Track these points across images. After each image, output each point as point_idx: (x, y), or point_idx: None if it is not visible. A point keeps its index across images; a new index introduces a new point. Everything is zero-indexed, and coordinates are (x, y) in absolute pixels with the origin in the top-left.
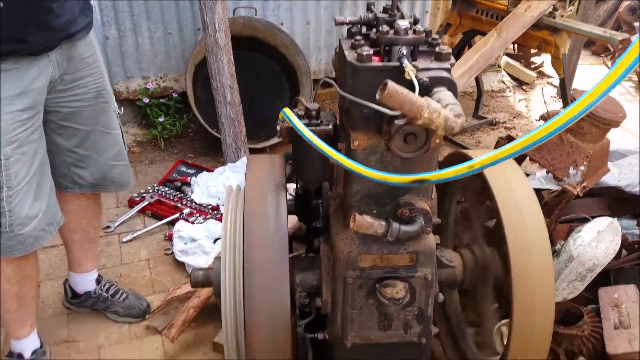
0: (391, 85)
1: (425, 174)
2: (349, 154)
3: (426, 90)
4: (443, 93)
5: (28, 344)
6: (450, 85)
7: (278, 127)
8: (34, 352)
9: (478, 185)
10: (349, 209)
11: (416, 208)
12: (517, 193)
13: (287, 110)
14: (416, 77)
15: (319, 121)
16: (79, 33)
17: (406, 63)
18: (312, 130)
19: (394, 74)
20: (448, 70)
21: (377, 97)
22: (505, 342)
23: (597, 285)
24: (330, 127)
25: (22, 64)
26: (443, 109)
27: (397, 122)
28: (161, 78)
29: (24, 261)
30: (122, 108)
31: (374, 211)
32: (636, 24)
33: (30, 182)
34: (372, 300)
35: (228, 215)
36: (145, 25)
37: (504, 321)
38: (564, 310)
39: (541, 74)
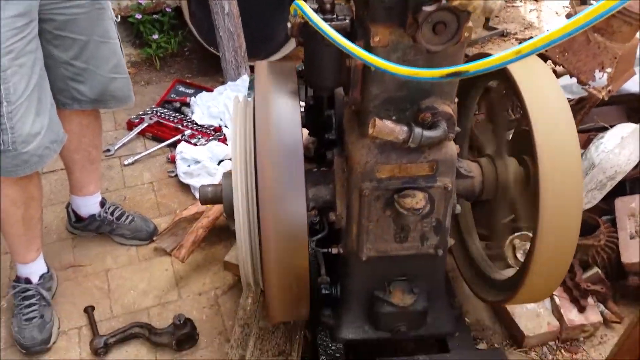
0: None
1: (463, 65)
2: (368, 52)
3: None
4: None
5: (35, 268)
6: None
7: (289, 25)
8: (41, 277)
9: (498, 94)
10: (366, 115)
11: (439, 112)
12: (547, 98)
13: (300, 1)
14: None
15: (335, 15)
16: None
17: None
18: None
19: None
20: None
21: None
22: (517, 255)
23: (613, 196)
24: (347, 21)
25: None
26: None
27: (426, 8)
28: None
29: (28, 182)
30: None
31: (394, 117)
32: None
33: (30, 97)
34: (390, 211)
35: (237, 126)
36: None
37: (516, 234)
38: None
39: None
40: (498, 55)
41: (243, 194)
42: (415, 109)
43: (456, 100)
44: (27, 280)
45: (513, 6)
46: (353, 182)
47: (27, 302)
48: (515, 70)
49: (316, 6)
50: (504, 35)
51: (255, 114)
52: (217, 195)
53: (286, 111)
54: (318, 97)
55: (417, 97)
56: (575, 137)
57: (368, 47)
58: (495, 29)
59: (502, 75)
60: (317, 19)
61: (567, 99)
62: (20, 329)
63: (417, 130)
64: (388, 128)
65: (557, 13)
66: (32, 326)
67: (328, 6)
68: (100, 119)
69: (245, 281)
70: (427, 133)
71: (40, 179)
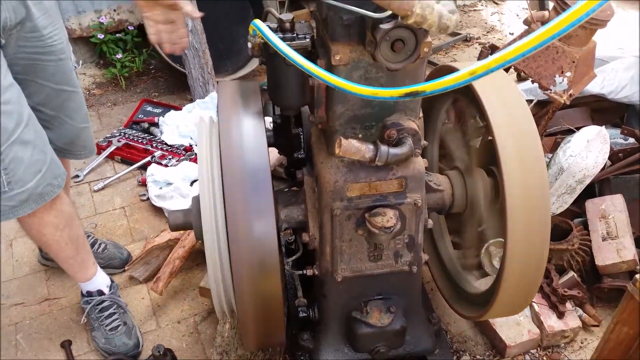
0: None
1: (420, 84)
2: (330, 71)
3: None
4: None
5: (100, 280)
6: None
7: (249, 44)
8: (110, 287)
9: (464, 102)
10: (332, 134)
11: (404, 128)
12: (509, 105)
13: (257, 21)
14: None
15: (295, 34)
16: None
17: None
18: (287, 45)
19: None
20: None
21: None
22: (493, 262)
23: (583, 198)
24: (307, 40)
25: None
26: (436, 4)
27: (383, 26)
28: (115, 10)
29: (61, 203)
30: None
31: (360, 135)
32: None
33: (24, 133)
34: (362, 230)
35: (203, 149)
36: None
37: (492, 241)
38: (553, 225)
39: None
40: (453, 76)
41: (212, 219)
42: (381, 126)
43: (421, 115)
44: (100, 292)
45: (475, 10)
46: (324, 202)
47: (106, 313)
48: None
49: (276, 25)
50: (467, 40)
51: (220, 137)
52: (187, 221)
53: (251, 133)
54: (285, 116)
55: (381, 114)
56: (539, 145)
57: (330, 66)
58: (458, 34)
59: (464, 86)
60: (275, 40)
61: (532, 100)
62: (108, 339)
63: (383, 148)
64: (354, 147)
65: (517, 15)
66: (119, 334)
67: (288, 25)
68: (69, 172)
69: (220, 309)
70: (393, 150)
71: (69, 196)
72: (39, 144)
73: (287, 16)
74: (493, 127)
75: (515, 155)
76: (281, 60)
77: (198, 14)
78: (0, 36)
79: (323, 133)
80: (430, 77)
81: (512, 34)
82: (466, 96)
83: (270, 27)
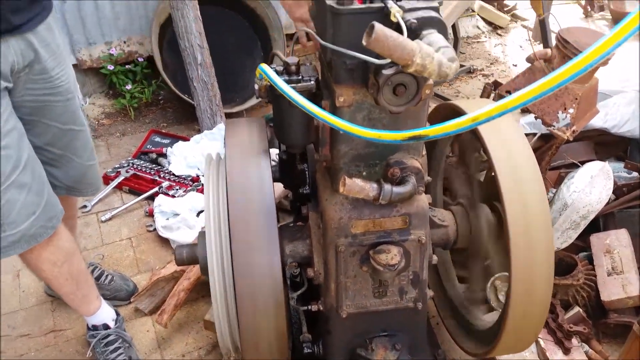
0: (379, 28)
1: (423, 129)
2: (334, 112)
3: (414, 33)
4: (434, 36)
5: (105, 314)
6: (440, 27)
7: (256, 86)
8: (116, 320)
9: (467, 137)
10: (337, 172)
11: (408, 167)
12: (510, 143)
13: (264, 66)
14: (403, 19)
15: (300, 77)
16: (31, 23)
17: (391, 4)
18: (292, 87)
19: (379, 17)
20: (437, 9)
21: (364, 42)
22: (499, 297)
23: (588, 232)
24: (312, 83)
25: None
26: (435, 53)
27: (385, 71)
28: (125, 42)
29: (58, 239)
30: (87, 78)
31: (364, 173)
32: None
33: (20, 176)
34: (366, 267)
35: (209, 186)
36: None
37: (497, 275)
38: (557, 260)
39: (515, 17)
40: (455, 121)
41: (217, 256)
42: (384, 164)
43: (424, 152)
44: (106, 326)
45: (478, 41)
46: (328, 238)
47: (112, 347)
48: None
49: (282, 67)
50: (470, 71)
51: (227, 175)
52: (193, 256)
53: (256, 171)
54: (290, 152)
55: (385, 153)
56: (540, 181)
57: (334, 107)
58: (462, 66)
59: None
60: (281, 83)
61: (536, 133)
62: None
63: (387, 187)
64: (358, 186)
65: (521, 47)
66: None
67: (293, 68)
68: (76, 209)
69: (224, 345)
70: (397, 189)
71: (69, 231)
72: (35, 187)
73: (292, 59)
74: (494, 163)
75: (516, 191)
76: (287, 101)
77: None
78: (8, 79)
79: (328, 170)
80: (432, 115)
81: (515, 65)
82: (469, 130)
83: (276, 70)
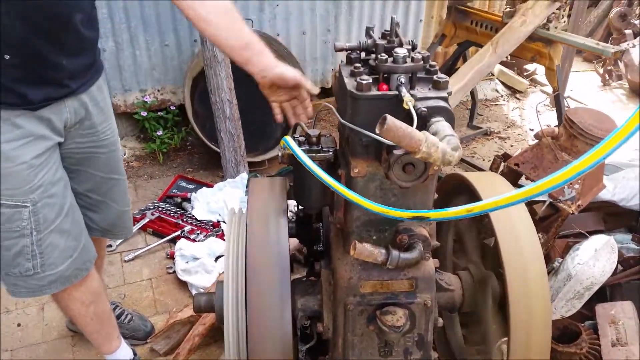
0: (390, 120)
1: (425, 211)
2: (349, 180)
3: (424, 119)
4: (441, 124)
5: (123, 353)
6: (448, 115)
7: (279, 154)
8: None
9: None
10: (349, 235)
11: (415, 234)
12: (512, 215)
13: (288, 138)
14: (414, 107)
15: (320, 147)
16: (85, 85)
17: (404, 92)
18: (312, 157)
19: (393, 102)
20: (446, 99)
21: (377, 130)
22: None
23: (594, 301)
24: (330, 153)
25: (24, 112)
26: (440, 142)
27: (396, 152)
28: (159, 91)
29: (91, 280)
30: (120, 121)
31: (374, 237)
32: (626, 31)
33: (62, 223)
34: (373, 326)
35: (230, 240)
36: (143, 37)
37: (503, 339)
38: (562, 328)
39: (534, 82)
40: (454, 209)
41: (233, 308)
42: (394, 230)
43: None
44: None
45: (496, 104)
46: (338, 296)
47: None
48: (479, 186)
49: (304, 138)
50: (487, 134)
51: (247, 232)
52: (210, 305)
53: (274, 230)
54: (307, 213)
55: (395, 220)
56: (540, 255)
57: (349, 177)
58: (479, 127)
59: (469, 191)
60: (302, 155)
61: (542, 202)
62: None
63: (394, 253)
64: (367, 251)
65: (538, 112)
66: None
67: (314, 139)
68: (105, 249)
69: None
70: (404, 255)
71: (99, 274)
72: (73, 232)
73: (314, 132)
74: (498, 236)
75: (518, 263)
76: (306, 169)
77: (316, 90)
78: (61, 135)
79: (341, 232)
80: (442, 183)
81: (532, 129)
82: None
83: (298, 140)
